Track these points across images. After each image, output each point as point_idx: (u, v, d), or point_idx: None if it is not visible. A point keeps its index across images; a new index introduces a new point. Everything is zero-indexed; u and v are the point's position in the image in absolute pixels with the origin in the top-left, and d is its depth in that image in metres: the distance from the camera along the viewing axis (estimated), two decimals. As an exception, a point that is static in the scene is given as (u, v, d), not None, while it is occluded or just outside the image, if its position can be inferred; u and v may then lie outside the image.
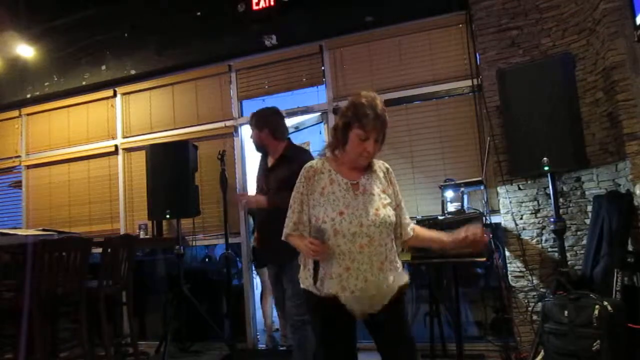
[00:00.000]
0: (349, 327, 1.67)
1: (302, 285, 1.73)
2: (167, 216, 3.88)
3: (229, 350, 3.64)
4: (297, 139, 4.51)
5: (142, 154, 4.22)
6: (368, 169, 1.72)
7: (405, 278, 1.68)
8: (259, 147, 2.77)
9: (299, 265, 2.32)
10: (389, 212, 1.64)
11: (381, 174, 1.73)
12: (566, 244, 2.90)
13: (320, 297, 1.63)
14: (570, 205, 3.02)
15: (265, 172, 2.71)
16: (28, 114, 4.99)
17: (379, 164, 1.76)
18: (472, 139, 3.50)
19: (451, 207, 3.11)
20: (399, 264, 1.69)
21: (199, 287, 3.99)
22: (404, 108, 3.67)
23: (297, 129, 4.51)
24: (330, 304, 1.60)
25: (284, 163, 2.59)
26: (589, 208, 2.91)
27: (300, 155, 2.63)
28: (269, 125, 2.69)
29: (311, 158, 2.56)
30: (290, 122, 4.55)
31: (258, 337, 4.02)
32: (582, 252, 2.92)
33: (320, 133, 4.16)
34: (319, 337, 1.73)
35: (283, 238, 1.76)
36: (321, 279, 1.63)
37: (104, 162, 4.62)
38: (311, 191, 1.68)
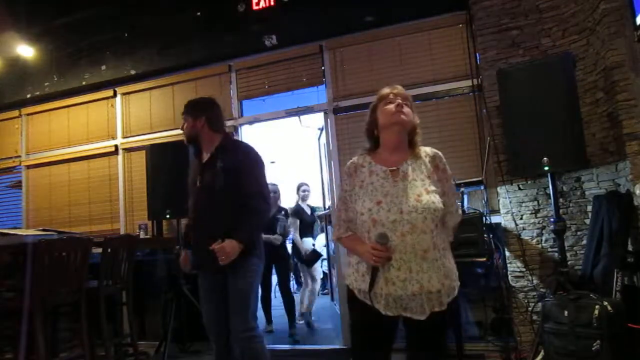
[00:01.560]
0: (388, 334, 1.63)
1: (346, 282, 1.70)
2: (167, 216, 3.87)
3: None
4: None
5: (142, 154, 4.22)
6: (412, 155, 1.68)
7: (454, 291, 1.60)
8: (192, 138, 2.44)
9: (247, 270, 2.25)
10: (433, 198, 1.56)
11: (427, 159, 1.67)
12: (566, 244, 2.90)
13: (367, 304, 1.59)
14: (570, 205, 3.02)
15: (199, 169, 2.40)
16: (28, 114, 4.98)
17: (426, 150, 1.71)
18: (472, 139, 3.50)
19: (451, 207, 3.11)
20: (449, 258, 1.62)
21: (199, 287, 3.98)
22: (404, 108, 3.67)
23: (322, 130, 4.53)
24: (374, 312, 1.57)
25: (223, 153, 2.34)
26: (589, 208, 2.91)
27: (242, 144, 2.45)
28: (206, 113, 2.41)
29: (252, 148, 2.41)
30: (318, 122, 4.57)
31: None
32: (582, 252, 2.92)
33: (322, 132, 4.17)
34: (354, 338, 1.70)
35: (335, 239, 1.75)
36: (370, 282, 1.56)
37: (104, 162, 4.62)
38: (352, 186, 1.68)
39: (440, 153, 1.71)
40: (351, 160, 1.75)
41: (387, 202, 1.55)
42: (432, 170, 1.65)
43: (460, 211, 1.73)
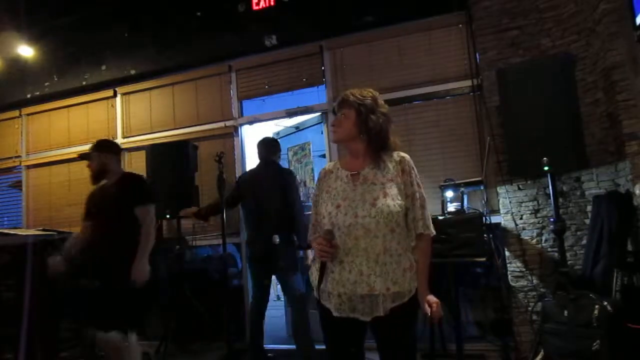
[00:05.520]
0: (347, 334, 1.62)
1: (311, 279, 1.72)
2: (167, 216, 3.87)
3: (228, 350, 3.63)
4: (298, 139, 4.52)
5: (142, 154, 4.22)
6: (375, 159, 1.65)
7: (402, 298, 1.55)
8: None
9: (292, 254, 2.99)
10: (389, 202, 1.55)
11: (391, 164, 1.64)
12: (566, 244, 2.90)
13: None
14: (570, 205, 3.02)
15: None
16: (28, 114, 4.99)
17: (394, 154, 1.67)
18: (472, 139, 3.50)
19: (451, 207, 3.11)
20: (404, 264, 1.58)
21: (199, 287, 3.98)
22: (403, 108, 3.67)
23: (298, 129, 4.51)
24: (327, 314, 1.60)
25: None
26: (589, 208, 2.91)
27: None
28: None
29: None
30: (290, 121, 4.57)
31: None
32: (582, 252, 2.92)
33: (322, 133, 4.16)
34: (324, 339, 1.70)
35: (309, 242, 1.79)
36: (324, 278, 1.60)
37: (104, 162, 4.61)
38: (320, 191, 1.71)
39: (407, 157, 1.68)
40: (323, 167, 1.79)
41: (344, 206, 1.58)
42: (396, 173, 1.63)
43: (427, 225, 1.62)
